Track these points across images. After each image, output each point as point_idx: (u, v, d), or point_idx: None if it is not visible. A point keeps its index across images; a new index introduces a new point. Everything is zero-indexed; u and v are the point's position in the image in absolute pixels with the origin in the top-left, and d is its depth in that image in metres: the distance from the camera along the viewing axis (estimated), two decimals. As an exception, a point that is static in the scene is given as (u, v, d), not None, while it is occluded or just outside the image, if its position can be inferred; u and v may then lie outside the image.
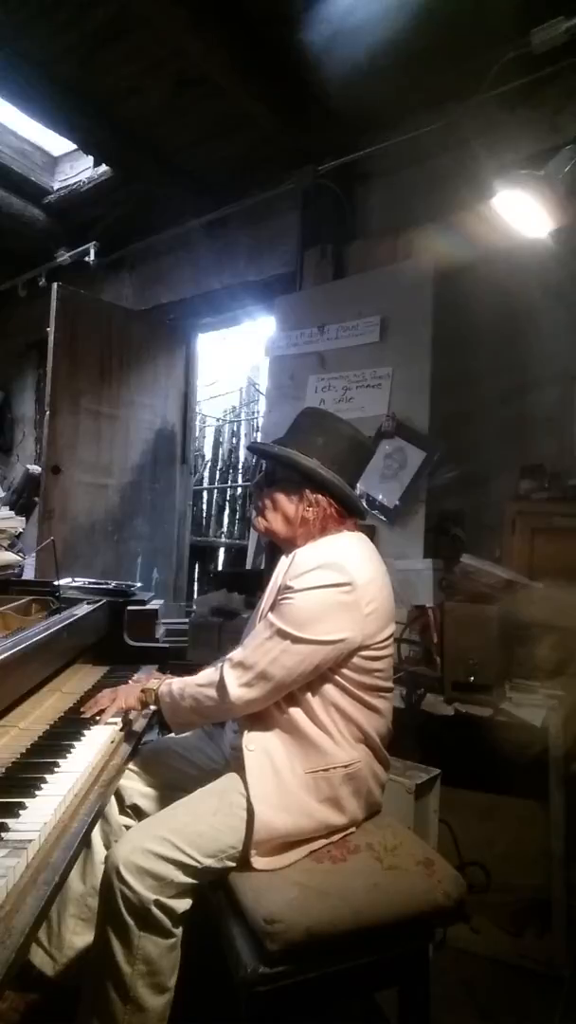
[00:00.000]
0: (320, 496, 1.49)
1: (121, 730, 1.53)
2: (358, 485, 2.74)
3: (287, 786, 1.36)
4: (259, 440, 3.99)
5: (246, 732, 1.42)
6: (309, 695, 1.40)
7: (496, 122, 2.71)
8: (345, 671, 1.41)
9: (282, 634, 1.35)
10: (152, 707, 1.56)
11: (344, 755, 1.40)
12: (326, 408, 2.98)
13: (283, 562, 1.51)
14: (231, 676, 1.38)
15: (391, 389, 2.84)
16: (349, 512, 1.53)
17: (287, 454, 1.50)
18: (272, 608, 1.43)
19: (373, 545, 1.57)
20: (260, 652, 1.36)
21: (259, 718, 1.42)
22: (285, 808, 1.34)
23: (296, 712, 1.40)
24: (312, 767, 1.38)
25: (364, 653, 1.42)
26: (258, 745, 1.40)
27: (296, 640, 1.35)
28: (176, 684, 1.49)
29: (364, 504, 1.65)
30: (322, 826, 1.38)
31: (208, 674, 1.45)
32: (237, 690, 1.37)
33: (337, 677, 1.41)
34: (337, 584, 1.37)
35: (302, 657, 1.35)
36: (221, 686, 1.38)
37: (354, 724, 1.42)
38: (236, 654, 1.41)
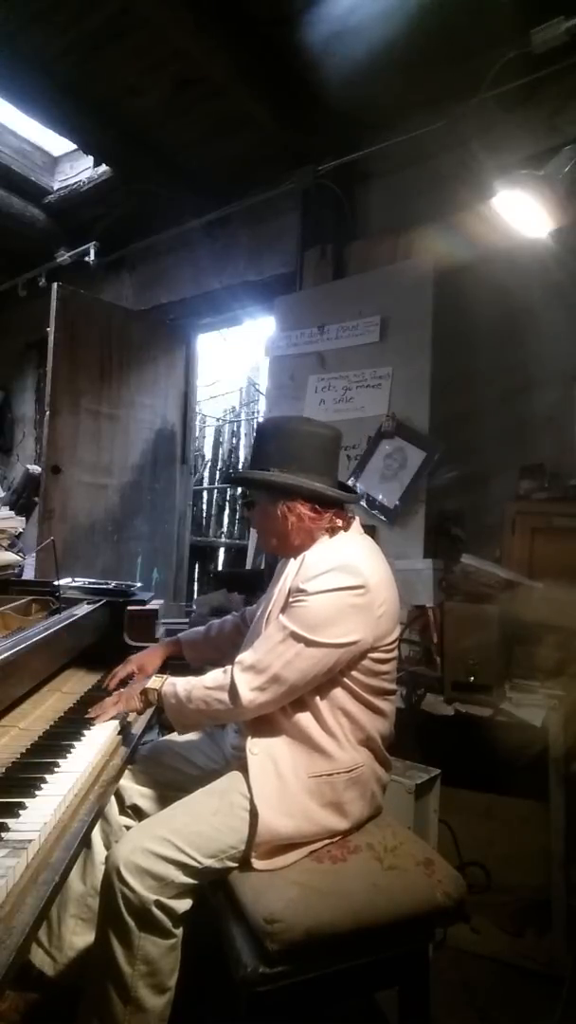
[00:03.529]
0: (292, 502, 1.48)
1: (120, 731, 1.53)
2: (358, 485, 2.79)
3: (290, 790, 1.36)
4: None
5: (250, 736, 1.41)
6: (317, 698, 1.40)
7: (496, 122, 2.71)
8: (354, 674, 1.41)
9: (296, 637, 1.35)
10: (154, 706, 1.55)
11: (347, 758, 1.40)
12: (326, 408, 3.02)
13: (292, 564, 1.50)
14: (242, 680, 1.36)
15: (391, 389, 2.84)
16: (325, 506, 1.50)
17: (240, 475, 1.56)
18: (283, 611, 1.42)
19: (378, 547, 1.57)
20: (273, 655, 1.35)
21: (264, 721, 1.42)
22: (287, 812, 1.34)
23: (302, 716, 1.40)
24: (316, 771, 1.38)
25: (373, 655, 1.42)
26: (262, 749, 1.40)
27: (310, 643, 1.34)
28: (181, 685, 1.46)
29: (349, 489, 1.62)
30: (324, 830, 1.38)
31: (216, 676, 1.42)
32: (249, 694, 1.35)
33: (346, 680, 1.41)
34: (351, 587, 1.37)
35: (316, 660, 1.34)
36: (232, 690, 1.37)
37: (359, 727, 1.42)
38: (246, 657, 1.39)
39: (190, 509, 4.80)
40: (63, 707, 1.63)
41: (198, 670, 1.53)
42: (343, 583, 1.37)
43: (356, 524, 1.56)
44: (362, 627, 1.38)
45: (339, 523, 1.52)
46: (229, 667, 1.41)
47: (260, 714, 1.39)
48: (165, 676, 1.55)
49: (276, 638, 1.37)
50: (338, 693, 1.41)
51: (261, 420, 1.37)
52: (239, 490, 5.32)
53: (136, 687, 1.56)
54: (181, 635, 1.86)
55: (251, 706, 1.36)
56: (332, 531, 1.52)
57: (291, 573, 1.48)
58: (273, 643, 1.37)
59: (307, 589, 1.38)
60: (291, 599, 1.41)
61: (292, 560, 1.51)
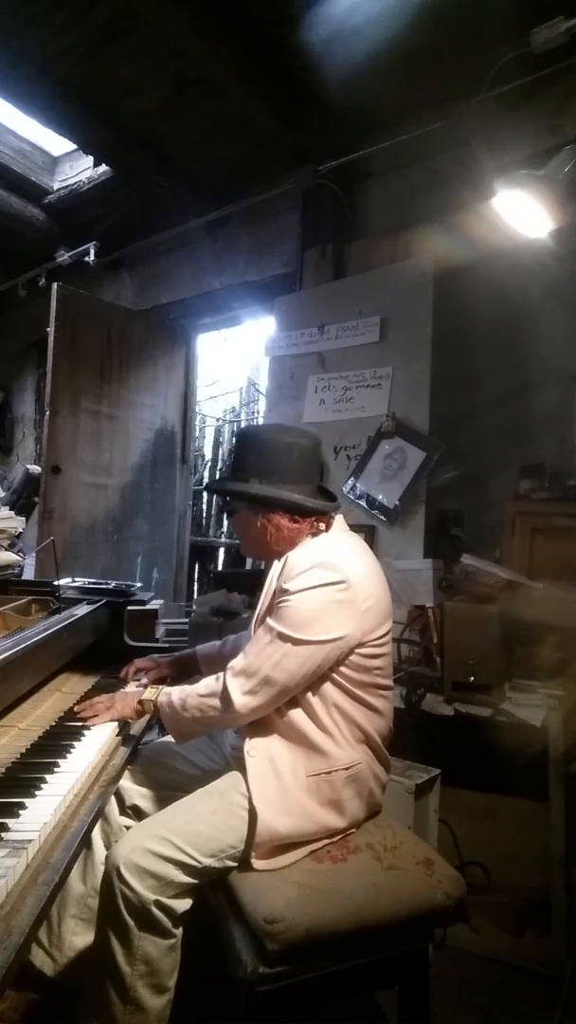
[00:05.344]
0: (271, 513, 1.49)
1: (120, 731, 1.54)
2: (357, 485, 2.79)
3: (289, 789, 1.36)
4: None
5: (248, 738, 1.42)
6: (310, 696, 1.40)
7: (496, 122, 2.71)
8: (345, 670, 1.41)
9: (283, 637, 1.35)
10: (147, 714, 1.56)
11: (345, 756, 1.40)
12: (326, 408, 3.02)
13: (276, 566, 1.51)
14: (234, 685, 1.37)
15: (391, 389, 2.83)
16: (304, 515, 1.50)
17: (220, 486, 1.54)
18: (269, 612, 1.43)
19: (365, 543, 1.58)
20: (262, 658, 1.36)
21: (261, 722, 1.42)
22: (287, 811, 1.34)
23: (297, 714, 1.40)
24: (314, 770, 1.38)
25: (362, 650, 1.42)
26: (260, 750, 1.40)
27: (297, 642, 1.34)
28: (176, 695, 1.47)
29: (331, 495, 1.61)
30: (323, 828, 1.38)
31: (208, 683, 1.43)
32: (241, 698, 1.36)
33: (337, 677, 1.41)
34: (332, 583, 1.37)
35: (304, 659, 1.35)
36: (225, 696, 1.37)
37: (355, 725, 1.42)
38: (237, 662, 1.40)
39: (190, 509, 4.79)
40: (63, 707, 1.63)
41: None
42: (324, 579, 1.37)
43: (340, 521, 1.57)
44: (347, 622, 1.38)
45: (321, 527, 1.53)
46: (221, 673, 1.42)
47: (255, 718, 1.40)
48: (160, 687, 1.55)
49: (264, 640, 1.37)
50: (330, 690, 1.41)
51: (240, 429, 1.41)
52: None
53: (132, 695, 1.57)
54: (198, 648, 1.87)
55: (244, 710, 1.36)
56: (314, 533, 1.53)
57: (275, 574, 1.49)
58: (261, 645, 1.37)
59: (290, 589, 1.39)
60: (276, 600, 1.42)
61: (276, 562, 1.52)
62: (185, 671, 1.83)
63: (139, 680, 1.80)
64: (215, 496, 5.65)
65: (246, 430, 1.70)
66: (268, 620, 1.40)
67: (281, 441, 1.54)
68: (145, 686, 1.64)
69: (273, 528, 1.49)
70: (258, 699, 1.36)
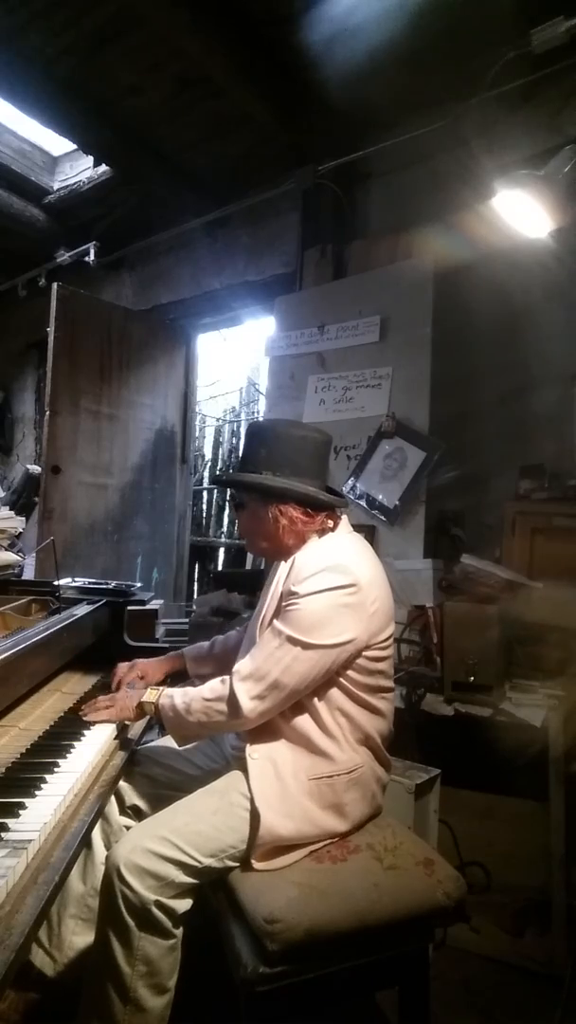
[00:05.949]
0: (284, 505, 1.47)
1: (120, 731, 1.53)
2: (357, 485, 2.79)
3: (290, 792, 1.36)
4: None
5: (250, 743, 1.41)
6: (315, 700, 1.40)
7: (496, 122, 2.71)
8: (350, 673, 1.41)
9: (292, 641, 1.34)
10: (148, 716, 1.55)
11: (347, 759, 1.40)
12: (326, 408, 3.02)
13: (283, 567, 1.50)
14: (242, 689, 1.36)
15: (391, 389, 2.83)
16: (317, 509, 1.50)
17: (232, 478, 1.56)
18: (276, 615, 1.42)
19: (368, 544, 1.57)
20: (271, 662, 1.35)
21: (263, 726, 1.41)
22: (288, 814, 1.34)
23: (301, 718, 1.40)
24: (316, 773, 1.38)
25: (368, 653, 1.42)
26: (262, 752, 1.40)
27: (307, 646, 1.34)
28: (179, 698, 1.45)
29: (338, 494, 1.60)
30: (324, 832, 1.38)
31: (214, 687, 1.41)
32: (249, 703, 1.35)
33: (342, 680, 1.41)
34: (343, 586, 1.37)
35: (313, 662, 1.34)
36: (232, 701, 1.36)
37: (358, 727, 1.42)
38: (244, 666, 1.39)
39: (190, 509, 4.80)
40: (63, 707, 1.63)
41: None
42: (334, 583, 1.37)
43: (345, 523, 1.56)
44: (356, 625, 1.38)
45: (329, 524, 1.52)
46: (227, 677, 1.40)
47: (262, 722, 1.39)
48: (161, 689, 1.53)
49: (272, 644, 1.36)
50: (336, 694, 1.41)
51: (251, 422, 1.41)
52: (229, 492, 5.33)
53: (133, 696, 1.55)
54: (185, 649, 1.85)
55: (252, 715, 1.36)
56: (322, 532, 1.52)
57: (282, 577, 1.48)
58: (270, 649, 1.36)
59: (299, 591, 1.38)
60: (284, 603, 1.41)
61: (283, 563, 1.51)
62: (175, 674, 1.81)
63: (132, 687, 1.72)
64: (216, 495, 5.66)
65: (258, 423, 1.69)
66: (276, 623, 1.39)
67: (293, 434, 1.54)
68: (145, 687, 1.63)
69: (286, 520, 1.47)
70: (266, 703, 1.35)
